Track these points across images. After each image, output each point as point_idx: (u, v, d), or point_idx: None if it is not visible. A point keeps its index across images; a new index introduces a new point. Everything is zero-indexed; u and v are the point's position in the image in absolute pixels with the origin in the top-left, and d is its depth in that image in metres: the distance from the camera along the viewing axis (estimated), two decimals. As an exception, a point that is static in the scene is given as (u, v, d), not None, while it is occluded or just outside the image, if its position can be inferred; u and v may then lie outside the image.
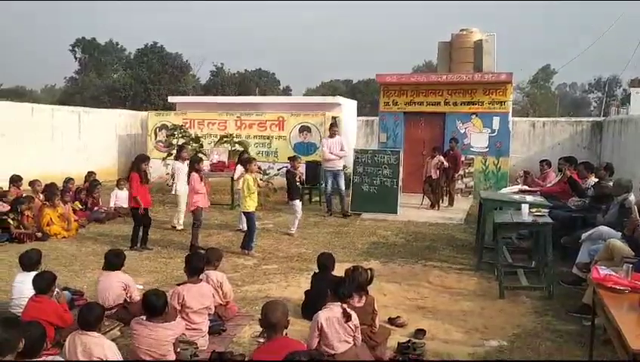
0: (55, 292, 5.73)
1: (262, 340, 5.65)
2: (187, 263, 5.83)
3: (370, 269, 5.53)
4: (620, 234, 7.11)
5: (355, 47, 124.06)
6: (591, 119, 21.54)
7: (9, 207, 10.37)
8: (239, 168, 11.11)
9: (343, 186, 13.09)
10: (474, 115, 15.56)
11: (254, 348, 5.48)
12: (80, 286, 7.40)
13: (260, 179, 10.73)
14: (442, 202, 14.07)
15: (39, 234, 10.15)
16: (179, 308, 5.45)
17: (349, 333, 4.69)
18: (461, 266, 8.74)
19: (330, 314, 4.67)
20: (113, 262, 6.26)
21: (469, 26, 17.26)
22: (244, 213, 9.55)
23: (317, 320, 4.67)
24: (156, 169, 16.38)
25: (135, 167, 9.71)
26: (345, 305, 4.73)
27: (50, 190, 11.19)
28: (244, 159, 10.20)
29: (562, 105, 61.88)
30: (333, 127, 13.49)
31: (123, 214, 12.57)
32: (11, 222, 10.01)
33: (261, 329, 5.79)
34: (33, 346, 3.72)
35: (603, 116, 37.80)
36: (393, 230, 11.52)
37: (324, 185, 13.32)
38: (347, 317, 4.64)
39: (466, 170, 15.57)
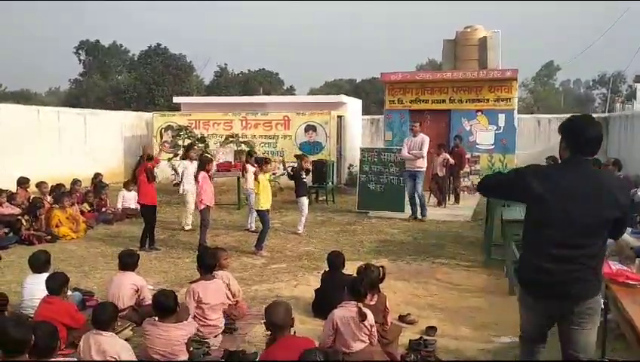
0: (73, 293, 5.78)
1: (273, 339, 5.69)
2: (199, 261, 5.87)
3: (382, 267, 5.54)
4: (629, 229, 7.11)
5: (357, 46, 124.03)
6: (596, 115, 21.48)
7: (19, 210, 10.42)
8: (249, 168, 11.07)
9: (421, 189, 12.26)
10: (479, 112, 15.56)
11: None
12: (90, 286, 7.43)
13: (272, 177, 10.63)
14: (448, 199, 14.09)
15: (48, 237, 10.19)
16: (195, 305, 5.48)
17: (365, 332, 4.70)
18: (469, 263, 8.74)
19: (345, 312, 4.68)
20: (127, 261, 6.25)
21: (472, 23, 17.25)
22: (258, 211, 9.57)
23: (332, 318, 4.67)
24: (162, 170, 16.45)
25: (139, 164, 9.81)
26: (360, 304, 4.73)
27: (58, 191, 11.23)
28: (258, 159, 10.22)
29: (566, 102, 61.66)
30: (416, 126, 12.50)
31: (130, 215, 12.64)
32: (25, 223, 10.05)
33: (272, 328, 5.89)
34: (45, 346, 3.74)
35: (608, 112, 37.68)
36: (400, 228, 11.54)
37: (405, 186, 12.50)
38: (362, 316, 4.65)
39: (472, 168, 15.57)
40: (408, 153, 12.19)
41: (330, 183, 15.42)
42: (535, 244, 3.61)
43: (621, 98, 42.24)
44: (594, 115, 20.82)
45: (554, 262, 3.48)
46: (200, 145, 15.36)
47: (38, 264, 6.14)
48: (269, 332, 5.76)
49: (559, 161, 3.77)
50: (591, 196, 3.44)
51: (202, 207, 9.60)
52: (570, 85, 77.95)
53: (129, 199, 12.99)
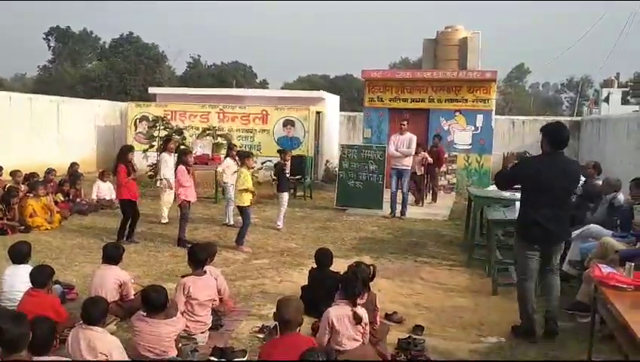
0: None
1: (261, 336, 5.63)
2: (190, 255, 5.77)
3: (373, 265, 5.51)
4: (610, 232, 7.23)
5: (331, 42, 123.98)
6: (569, 118, 21.87)
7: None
8: (228, 161, 10.95)
9: (406, 187, 12.36)
10: (458, 112, 15.67)
11: (255, 344, 5.47)
12: (69, 279, 7.24)
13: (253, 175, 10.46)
14: (426, 198, 14.17)
15: (22, 227, 9.92)
16: (185, 300, 5.38)
17: (359, 331, 4.68)
18: (451, 262, 8.79)
19: (341, 311, 4.65)
20: (112, 253, 6.07)
21: (450, 24, 17.35)
22: (239, 207, 9.46)
23: (328, 317, 4.63)
24: (137, 161, 16.15)
25: (121, 158, 9.54)
26: (355, 309, 4.71)
27: (32, 180, 10.95)
28: (241, 153, 10.10)
29: (535, 104, 62.62)
30: (404, 124, 12.50)
31: (105, 206, 12.40)
32: (-2, 213, 9.79)
33: (260, 324, 5.83)
34: (43, 342, 3.62)
35: (576, 115, 38.42)
36: (380, 225, 11.56)
37: (392, 184, 12.40)
38: (358, 319, 4.65)
39: (449, 167, 15.68)
40: (396, 151, 12.20)
41: (308, 179, 15.35)
42: (531, 207, 5.44)
43: (591, 102, 42.86)
44: (567, 119, 21.24)
45: (544, 218, 5.35)
46: (176, 136, 15.13)
47: (19, 255, 5.95)
48: (257, 329, 5.75)
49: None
50: (562, 175, 5.36)
51: (180, 201, 9.44)
52: (539, 88, 79.19)
53: (104, 190, 12.77)
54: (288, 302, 4.25)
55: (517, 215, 5.96)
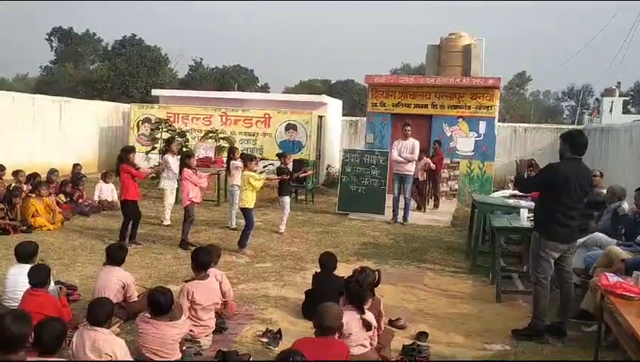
0: (53, 287, 5.60)
1: (265, 340, 5.60)
2: (193, 258, 5.73)
3: (378, 271, 5.48)
4: (615, 241, 7.20)
5: (332, 48, 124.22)
6: (570, 127, 21.87)
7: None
8: (236, 164, 10.91)
9: (408, 193, 12.32)
10: (460, 119, 15.64)
11: (258, 348, 5.45)
12: (72, 280, 7.21)
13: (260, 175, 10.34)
14: (427, 204, 14.14)
15: (24, 227, 9.89)
16: (189, 305, 5.34)
17: (369, 336, 4.67)
18: (454, 269, 8.77)
19: (350, 316, 4.61)
20: (116, 255, 6.03)
21: (453, 31, 17.32)
22: (242, 209, 9.43)
23: None
24: (139, 162, 16.13)
25: (124, 158, 9.51)
26: (365, 316, 4.68)
27: (34, 180, 10.93)
28: (245, 156, 10.08)
29: (536, 112, 62.64)
30: (407, 129, 12.44)
31: (107, 208, 12.37)
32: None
33: (263, 328, 5.81)
34: (53, 342, 3.60)
35: (577, 124, 38.43)
36: (382, 231, 11.53)
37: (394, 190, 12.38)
38: (368, 327, 4.65)
39: (452, 173, 15.66)
40: (399, 156, 12.17)
41: (310, 183, 15.34)
42: (557, 209, 5.76)
43: (594, 110, 42.81)
44: (570, 127, 21.23)
45: (568, 218, 5.78)
46: (179, 139, 15.14)
47: (25, 254, 5.91)
48: (260, 333, 5.73)
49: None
50: (583, 180, 5.81)
51: (187, 203, 9.42)
52: (540, 96, 79.23)
53: (106, 191, 12.74)
54: (329, 309, 4.22)
55: (537, 218, 6.14)
